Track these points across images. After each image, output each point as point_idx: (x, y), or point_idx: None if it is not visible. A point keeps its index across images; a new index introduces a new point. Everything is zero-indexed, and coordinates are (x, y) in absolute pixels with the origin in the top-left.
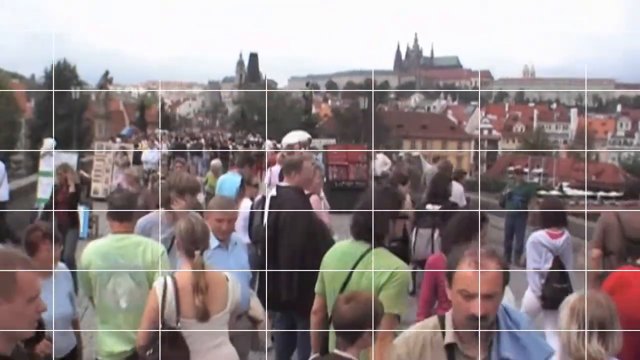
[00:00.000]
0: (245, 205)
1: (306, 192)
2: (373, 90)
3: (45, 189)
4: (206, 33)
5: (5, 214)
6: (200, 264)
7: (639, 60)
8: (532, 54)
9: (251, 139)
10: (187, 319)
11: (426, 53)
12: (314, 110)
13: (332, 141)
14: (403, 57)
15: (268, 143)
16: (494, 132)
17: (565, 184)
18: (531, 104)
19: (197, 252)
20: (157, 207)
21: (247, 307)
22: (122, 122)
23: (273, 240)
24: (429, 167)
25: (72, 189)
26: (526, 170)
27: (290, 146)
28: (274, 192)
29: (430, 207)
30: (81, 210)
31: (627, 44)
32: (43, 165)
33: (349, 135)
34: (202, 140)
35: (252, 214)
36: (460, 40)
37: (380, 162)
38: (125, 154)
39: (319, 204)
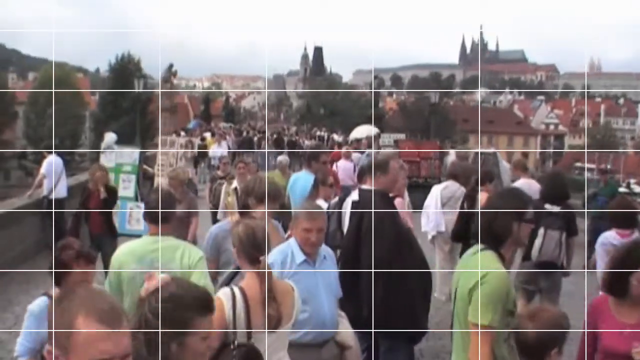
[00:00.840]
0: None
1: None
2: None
3: None
4: (271, 26)
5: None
6: (267, 271)
7: None
8: (599, 48)
9: (318, 133)
10: (257, 330)
11: (491, 47)
12: (378, 103)
13: (402, 136)
14: (468, 50)
15: (335, 137)
16: (560, 128)
17: (632, 181)
18: (598, 99)
19: (262, 258)
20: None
21: (334, 330)
22: (186, 116)
23: (353, 249)
24: (506, 166)
25: (103, 195)
26: (592, 166)
27: (358, 141)
28: (355, 195)
29: (549, 207)
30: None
31: None
32: (103, 161)
33: (416, 130)
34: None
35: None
36: (526, 33)
37: (453, 159)
38: (192, 147)
39: (403, 208)
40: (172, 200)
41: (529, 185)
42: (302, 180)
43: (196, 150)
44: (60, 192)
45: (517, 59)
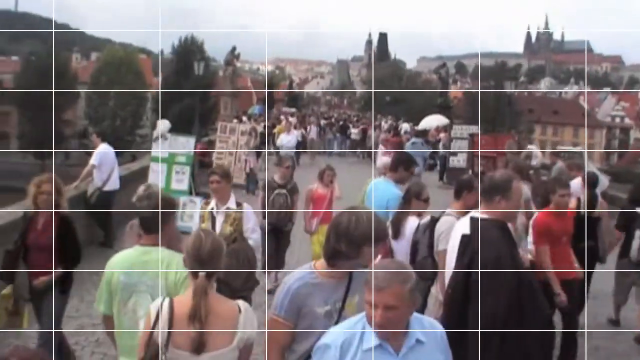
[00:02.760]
0: (411, 227)
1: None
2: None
3: (155, 176)
4: (335, 11)
5: (113, 203)
6: (202, 288)
7: None
8: None
9: (384, 122)
10: (180, 349)
11: (556, 36)
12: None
13: (475, 128)
14: (533, 40)
15: (405, 126)
16: (627, 120)
17: None
18: None
19: (201, 274)
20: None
21: None
22: (249, 100)
23: (461, 300)
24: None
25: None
26: None
27: (426, 131)
28: (466, 226)
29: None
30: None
31: None
32: (155, 150)
33: (482, 120)
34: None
35: (415, 241)
36: (591, 23)
37: (532, 154)
38: (256, 135)
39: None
40: (169, 207)
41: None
42: (382, 189)
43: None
44: (114, 183)
45: (583, 49)
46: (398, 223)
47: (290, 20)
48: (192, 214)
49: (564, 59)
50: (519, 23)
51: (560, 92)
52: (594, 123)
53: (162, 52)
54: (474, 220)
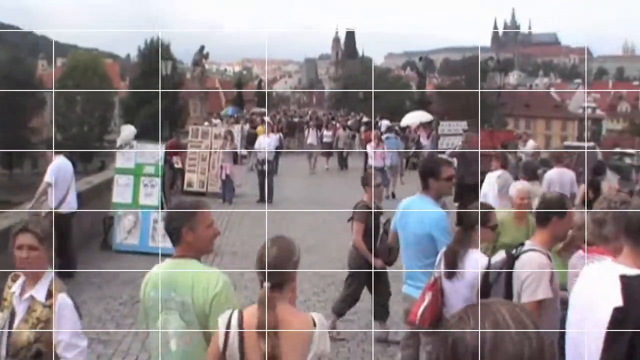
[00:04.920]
0: (475, 264)
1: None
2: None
3: (123, 191)
4: (301, 9)
5: (70, 227)
6: (266, 299)
7: None
8: (633, 30)
9: (365, 119)
10: None
11: (524, 29)
12: (413, 87)
13: (464, 124)
14: (500, 33)
15: (384, 123)
16: (598, 112)
17: None
18: (635, 82)
19: (265, 284)
20: None
21: None
22: (218, 101)
23: None
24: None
25: None
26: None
27: (405, 128)
28: (616, 287)
29: None
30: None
31: None
32: (120, 160)
33: (455, 114)
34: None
35: (485, 288)
36: (558, 16)
37: (531, 148)
38: (232, 138)
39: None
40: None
41: (560, 174)
42: (417, 212)
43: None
44: (70, 204)
45: (550, 41)
46: (454, 258)
47: (256, 20)
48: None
49: (532, 51)
50: (486, 17)
51: (551, 90)
52: (565, 115)
53: (129, 56)
54: (630, 282)
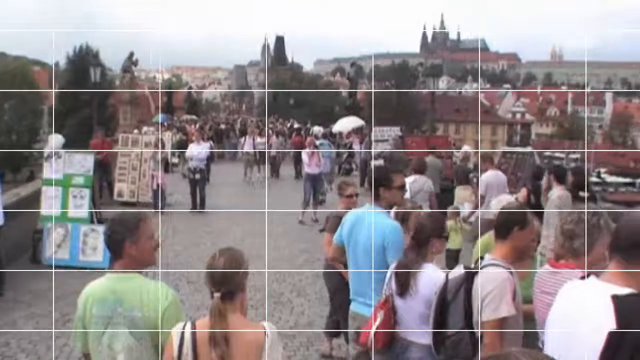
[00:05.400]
0: (431, 281)
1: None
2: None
3: (51, 203)
4: (231, 16)
5: None
6: (217, 309)
7: None
8: (560, 36)
9: (296, 125)
10: None
11: (453, 35)
12: (343, 94)
13: (397, 129)
14: (429, 39)
15: (316, 129)
16: (527, 116)
17: (602, 170)
18: (564, 88)
19: (216, 295)
20: None
21: None
22: (148, 108)
23: None
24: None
25: None
26: (566, 155)
27: (335, 134)
28: (606, 308)
29: None
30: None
31: None
32: (48, 170)
33: (385, 120)
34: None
35: (441, 306)
36: (487, 22)
37: (463, 153)
38: (163, 147)
39: None
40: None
41: (496, 176)
42: (368, 224)
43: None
44: None
45: (479, 47)
46: (406, 274)
47: (186, 27)
48: (96, 247)
49: (460, 57)
50: (415, 23)
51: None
52: (495, 120)
53: (58, 63)
54: (623, 303)
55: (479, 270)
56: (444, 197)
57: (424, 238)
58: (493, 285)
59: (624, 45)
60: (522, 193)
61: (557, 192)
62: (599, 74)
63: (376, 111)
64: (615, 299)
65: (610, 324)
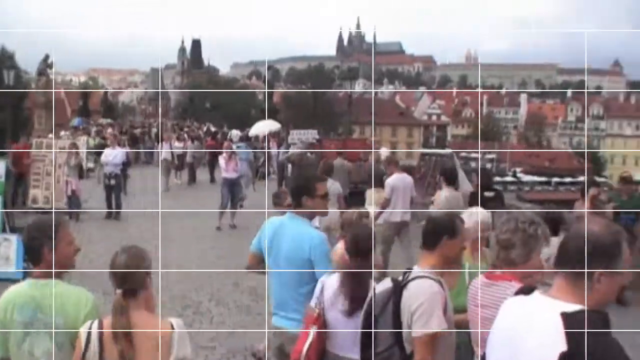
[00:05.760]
0: None
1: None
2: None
3: None
4: (147, 19)
5: None
6: (119, 305)
7: (581, 44)
8: (475, 39)
9: (212, 128)
10: None
11: (369, 38)
12: (259, 96)
13: (314, 133)
14: (345, 42)
15: (234, 132)
16: (443, 118)
17: (518, 169)
18: (480, 90)
19: (118, 291)
20: None
21: None
22: (63, 112)
23: None
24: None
25: None
26: (482, 156)
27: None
28: (554, 326)
29: None
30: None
31: (569, 28)
32: None
33: (302, 123)
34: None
35: (368, 320)
36: (403, 25)
37: (384, 156)
38: (77, 152)
39: None
40: (48, 227)
41: (402, 179)
42: (293, 231)
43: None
44: None
45: (395, 50)
46: (361, 292)
47: (102, 29)
48: (8, 256)
49: (376, 60)
50: (331, 26)
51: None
52: (411, 122)
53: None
54: (573, 322)
55: (408, 282)
56: (357, 199)
57: (365, 251)
58: (422, 298)
59: (537, 48)
60: (437, 195)
61: (445, 193)
62: (514, 75)
63: (293, 114)
64: (564, 316)
65: (560, 344)
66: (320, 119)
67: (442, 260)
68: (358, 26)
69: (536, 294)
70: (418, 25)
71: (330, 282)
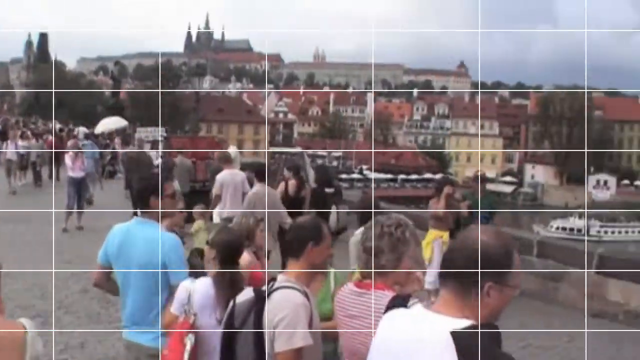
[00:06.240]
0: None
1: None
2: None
3: None
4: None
5: None
6: None
7: (427, 45)
8: (322, 38)
9: (58, 125)
10: None
11: (217, 36)
12: (106, 93)
13: (162, 130)
14: (194, 39)
15: (81, 130)
16: (290, 116)
17: (365, 167)
18: (326, 88)
19: None
20: None
21: None
22: None
23: None
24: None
25: None
26: (329, 154)
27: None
28: (443, 344)
29: None
30: None
31: (416, 29)
32: None
33: (149, 120)
34: None
35: (229, 333)
36: (251, 23)
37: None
38: None
39: None
40: None
41: (232, 175)
42: (141, 239)
43: None
44: None
45: (243, 48)
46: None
47: None
48: None
49: (224, 57)
50: (180, 22)
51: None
52: (258, 119)
53: None
54: (463, 341)
55: (270, 292)
56: (198, 198)
57: (232, 255)
58: (286, 311)
59: (383, 48)
60: (280, 186)
61: (255, 188)
62: (360, 75)
63: (140, 111)
64: (455, 335)
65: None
66: (168, 116)
67: (309, 268)
68: (207, 23)
69: (420, 307)
70: (266, 24)
71: (198, 288)
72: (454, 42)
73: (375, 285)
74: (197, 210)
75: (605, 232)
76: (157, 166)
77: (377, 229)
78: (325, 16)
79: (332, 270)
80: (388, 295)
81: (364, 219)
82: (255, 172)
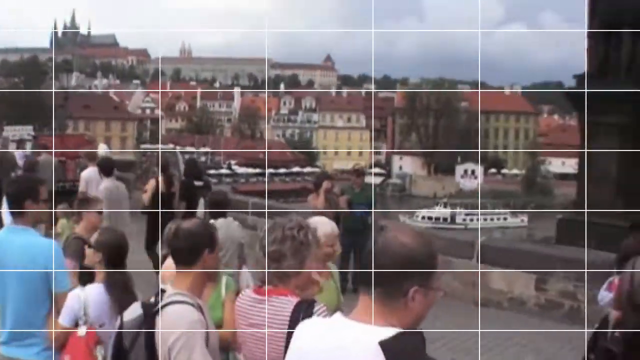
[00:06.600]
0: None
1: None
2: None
3: None
4: None
5: None
6: None
7: (294, 40)
8: (189, 33)
9: None
10: None
11: (83, 31)
12: None
13: (30, 129)
14: (60, 34)
15: None
16: (157, 112)
17: (233, 162)
18: (193, 83)
19: None
20: None
21: None
22: None
23: None
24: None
25: None
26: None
27: None
28: (368, 355)
29: None
30: None
31: (282, 24)
32: None
33: (15, 119)
34: None
35: (119, 339)
36: (117, 18)
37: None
38: None
39: None
40: None
41: (96, 172)
42: (17, 247)
43: None
44: None
45: (109, 43)
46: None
47: None
48: None
49: (90, 53)
50: (45, 18)
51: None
52: (125, 116)
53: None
54: (393, 352)
55: (162, 308)
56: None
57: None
58: (180, 329)
59: (247, 43)
60: (150, 184)
61: (104, 184)
62: (227, 69)
63: (4, 109)
64: (382, 344)
65: None
66: (34, 114)
67: (202, 276)
68: (73, 19)
69: (339, 317)
70: (133, 19)
71: (91, 296)
72: (319, 38)
73: (278, 291)
74: (60, 210)
75: (471, 220)
76: (20, 167)
77: (278, 234)
78: (189, 10)
79: (225, 277)
80: (292, 300)
81: (214, 215)
82: (100, 167)
